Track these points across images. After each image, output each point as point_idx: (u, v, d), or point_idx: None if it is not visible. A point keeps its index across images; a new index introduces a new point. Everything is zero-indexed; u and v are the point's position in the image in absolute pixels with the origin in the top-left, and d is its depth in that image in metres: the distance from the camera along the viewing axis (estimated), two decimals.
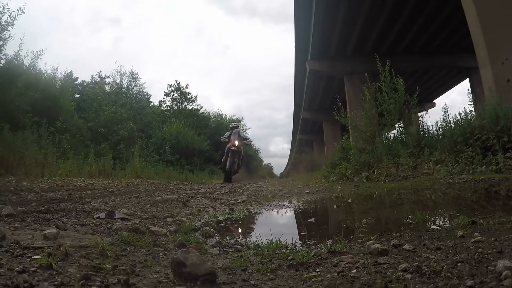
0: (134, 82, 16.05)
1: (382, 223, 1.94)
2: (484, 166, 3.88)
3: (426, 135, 5.74)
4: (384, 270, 0.96)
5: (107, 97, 13.20)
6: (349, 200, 3.09)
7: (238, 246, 1.39)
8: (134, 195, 3.47)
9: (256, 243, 1.41)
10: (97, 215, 1.92)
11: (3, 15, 6.40)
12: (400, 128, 6.91)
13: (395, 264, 1.02)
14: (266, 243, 1.35)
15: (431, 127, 5.88)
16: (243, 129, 11.69)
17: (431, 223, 1.72)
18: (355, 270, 0.99)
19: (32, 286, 0.78)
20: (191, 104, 17.13)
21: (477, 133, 4.36)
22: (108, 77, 15.73)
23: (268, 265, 1.07)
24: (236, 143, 9.55)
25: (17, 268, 0.86)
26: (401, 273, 0.92)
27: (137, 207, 2.54)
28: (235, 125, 10.74)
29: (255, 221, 2.34)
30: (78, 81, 15.38)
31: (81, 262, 0.97)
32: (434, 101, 23.54)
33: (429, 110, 12.62)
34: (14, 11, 6.47)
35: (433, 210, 2.11)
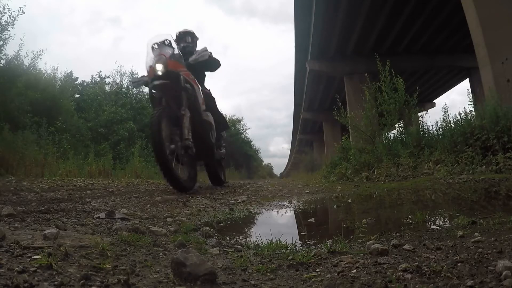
0: None
1: (382, 223, 1.94)
2: (484, 166, 3.88)
3: (426, 135, 5.73)
4: (384, 270, 0.96)
5: (107, 97, 13.20)
6: (349, 200, 3.09)
7: (238, 246, 1.39)
8: (134, 195, 3.47)
9: (256, 243, 1.41)
10: (97, 215, 1.92)
11: (3, 15, 6.43)
12: (400, 128, 6.92)
13: (395, 264, 1.02)
14: (266, 243, 1.35)
15: (431, 127, 5.89)
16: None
17: (431, 223, 1.72)
18: (355, 270, 0.99)
19: (32, 286, 0.78)
20: None
21: (477, 133, 4.36)
22: (108, 77, 15.73)
23: (268, 265, 1.07)
24: (159, 68, 3.60)
25: (17, 268, 0.86)
26: (401, 273, 0.92)
27: (137, 207, 2.54)
28: (187, 30, 4.99)
29: (255, 221, 2.34)
30: (78, 81, 15.37)
31: (81, 262, 0.97)
32: (434, 101, 23.59)
33: (429, 110, 12.64)
34: (14, 11, 6.49)
35: (433, 210, 2.11)
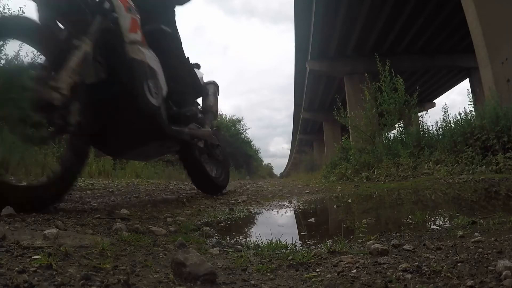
0: None
1: (382, 223, 1.94)
2: (484, 166, 3.89)
3: (426, 135, 5.74)
4: (384, 270, 0.96)
5: None
6: (349, 200, 3.09)
7: (238, 246, 1.39)
8: (134, 195, 3.47)
9: (256, 243, 1.41)
10: (97, 215, 1.92)
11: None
12: (400, 128, 6.93)
13: (395, 264, 1.02)
14: (266, 243, 1.35)
15: (431, 127, 5.91)
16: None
17: (431, 223, 1.72)
18: (355, 270, 0.99)
19: (32, 286, 0.78)
20: None
21: (477, 133, 4.37)
22: None
23: (268, 265, 1.07)
24: None
25: (17, 268, 0.86)
26: (401, 273, 0.92)
27: (137, 207, 2.54)
28: None
29: (255, 221, 2.34)
30: None
31: (81, 262, 0.97)
32: (434, 101, 23.62)
33: (429, 110, 12.64)
34: (14, 11, 6.49)
35: (433, 210, 2.11)
